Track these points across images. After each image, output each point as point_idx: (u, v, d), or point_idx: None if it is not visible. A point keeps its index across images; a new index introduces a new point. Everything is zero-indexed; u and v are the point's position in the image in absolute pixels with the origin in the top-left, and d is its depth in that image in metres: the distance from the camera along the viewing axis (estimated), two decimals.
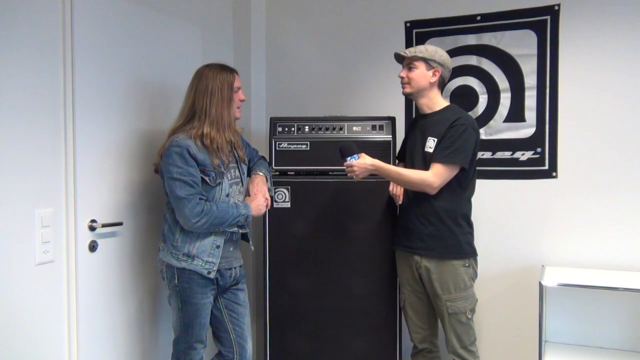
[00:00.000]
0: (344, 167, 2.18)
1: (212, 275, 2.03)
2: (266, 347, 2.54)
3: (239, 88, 2.12)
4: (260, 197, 2.16)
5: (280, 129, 2.53)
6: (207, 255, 2.02)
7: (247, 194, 2.21)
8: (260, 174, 2.26)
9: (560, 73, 2.53)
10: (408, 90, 2.24)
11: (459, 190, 2.18)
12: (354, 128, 2.50)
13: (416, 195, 2.20)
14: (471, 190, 2.24)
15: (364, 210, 2.45)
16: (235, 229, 2.08)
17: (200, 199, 1.96)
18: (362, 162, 2.15)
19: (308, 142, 2.51)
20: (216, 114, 2.01)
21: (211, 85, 2.02)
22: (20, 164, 1.78)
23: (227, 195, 2.08)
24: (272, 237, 2.51)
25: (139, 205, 2.28)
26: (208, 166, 2.00)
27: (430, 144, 2.17)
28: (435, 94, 2.24)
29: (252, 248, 2.31)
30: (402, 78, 2.24)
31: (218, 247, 2.05)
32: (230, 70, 2.09)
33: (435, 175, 2.11)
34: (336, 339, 2.48)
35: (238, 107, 2.13)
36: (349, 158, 2.15)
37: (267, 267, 2.52)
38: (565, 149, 2.53)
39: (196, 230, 1.99)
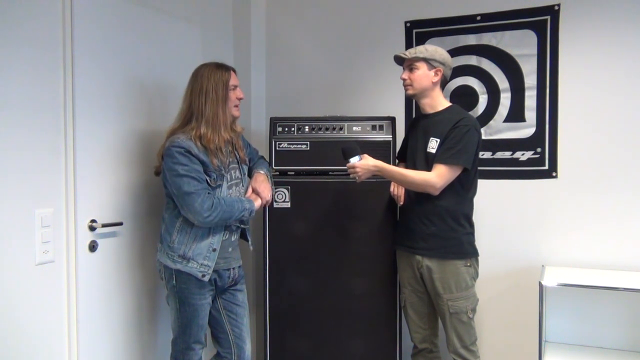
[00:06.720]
0: (346, 168, 2.18)
1: (206, 279, 2.01)
2: (266, 347, 2.54)
3: (235, 86, 2.08)
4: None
5: (280, 129, 2.53)
6: (203, 258, 2.01)
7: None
8: (262, 172, 2.26)
9: (560, 73, 2.53)
10: (411, 91, 2.23)
11: (461, 190, 2.18)
12: (354, 128, 2.50)
13: (418, 196, 2.20)
14: (473, 190, 2.24)
15: (364, 210, 2.45)
16: (237, 223, 2.09)
17: (209, 193, 1.96)
18: (364, 164, 2.14)
19: (308, 142, 2.50)
20: (211, 113, 1.99)
21: (205, 84, 2.00)
22: (20, 164, 1.77)
23: None
24: (272, 237, 2.50)
25: (139, 205, 2.27)
26: (209, 167, 1.99)
27: (433, 145, 2.17)
28: (437, 93, 2.24)
29: (251, 248, 2.31)
30: (404, 80, 2.24)
31: (214, 250, 2.03)
32: (226, 69, 2.06)
33: (438, 176, 2.10)
34: (336, 339, 2.48)
35: (236, 106, 2.10)
36: (351, 159, 2.15)
37: (267, 267, 2.52)
38: (565, 149, 2.53)
39: (207, 225, 1.98)
